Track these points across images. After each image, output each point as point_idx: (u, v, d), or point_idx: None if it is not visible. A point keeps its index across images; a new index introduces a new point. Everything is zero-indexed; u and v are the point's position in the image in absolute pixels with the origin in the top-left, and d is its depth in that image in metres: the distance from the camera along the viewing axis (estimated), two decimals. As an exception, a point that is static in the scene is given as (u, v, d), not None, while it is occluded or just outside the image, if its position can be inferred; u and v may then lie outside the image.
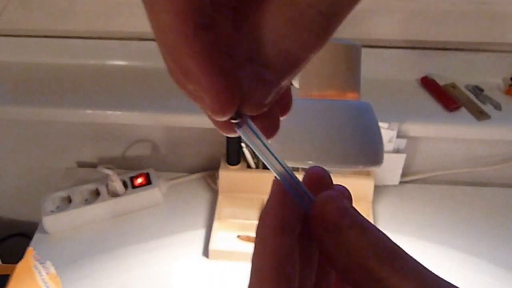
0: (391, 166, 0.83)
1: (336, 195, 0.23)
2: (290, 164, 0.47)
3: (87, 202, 0.83)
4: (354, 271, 0.21)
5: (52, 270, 0.64)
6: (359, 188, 0.81)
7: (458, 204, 0.85)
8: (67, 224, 0.82)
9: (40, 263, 0.62)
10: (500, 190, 0.87)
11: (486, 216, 0.83)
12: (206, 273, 0.76)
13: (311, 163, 0.45)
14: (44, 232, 0.82)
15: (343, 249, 0.22)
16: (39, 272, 0.61)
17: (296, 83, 0.51)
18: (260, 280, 0.21)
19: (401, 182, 0.87)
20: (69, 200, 0.83)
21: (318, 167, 0.24)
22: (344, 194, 0.23)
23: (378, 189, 0.87)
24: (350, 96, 0.46)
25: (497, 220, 0.82)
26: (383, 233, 0.22)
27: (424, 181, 0.89)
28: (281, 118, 0.25)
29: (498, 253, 0.77)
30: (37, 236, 0.82)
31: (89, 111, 0.84)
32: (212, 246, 0.76)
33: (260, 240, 0.22)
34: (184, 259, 0.78)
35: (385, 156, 0.81)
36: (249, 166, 0.82)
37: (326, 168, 0.37)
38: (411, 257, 0.22)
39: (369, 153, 0.46)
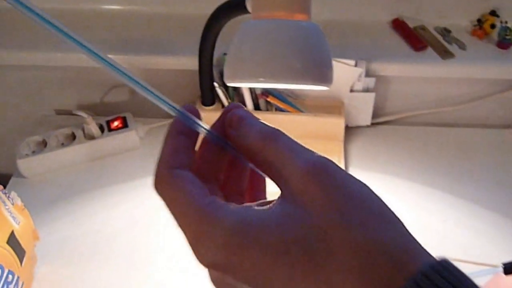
0: (362, 106, 0.85)
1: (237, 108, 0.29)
2: (244, 82, 0.50)
3: (63, 145, 0.84)
4: (250, 152, 0.27)
5: (19, 202, 0.64)
6: (330, 127, 0.83)
7: (428, 144, 0.88)
8: (43, 168, 0.83)
9: (4, 193, 0.63)
10: (467, 130, 0.91)
11: (454, 155, 0.86)
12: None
13: (262, 79, 0.48)
14: (20, 176, 0.83)
15: (242, 139, 0.27)
16: (3, 202, 0.61)
17: (249, 6, 0.53)
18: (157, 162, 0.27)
19: (373, 124, 0.90)
20: (44, 144, 0.84)
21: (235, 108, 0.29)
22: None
23: (351, 130, 0.90)
24: (300, 17, 0.49)
25: (463, 159, 0.86)
26: (263, 123, 0.28)
27: (395, 122, 0.92)
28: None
29: (462, 188, 0.80)
30: (13, 180, 0.83)
31: (63, 54, 0.84)
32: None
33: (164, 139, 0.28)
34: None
35: (355, 95, 0.85)
36: (223, 107, 0.83)
37: (278, 85, 0.50)
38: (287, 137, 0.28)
39: (316, 71, 0.49)
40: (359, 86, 0.83)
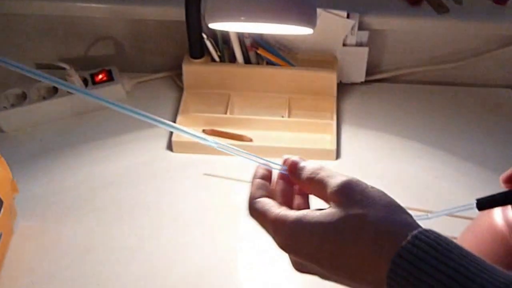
0: (355, 61, 0.83)
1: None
2: (225, 22, 0.52)
3: (44, 99, 0.80)
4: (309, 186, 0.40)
5: None
6: (322, 82, 0.80)
7: (423, 103, 0.86)
8: (23, 122, 0.80)
9: None
10: (463, 89, 0.89)
11: (449, 114, 0.84)
12: (171, 165, 0.76)
13: (243, 18, 0.49)
14: (1, 131, 0.80)
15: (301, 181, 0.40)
16: None
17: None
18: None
19: (367, 81, 0.88)
20: (24, 97, 0.80)
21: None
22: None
23: (345, 87, 0.87)
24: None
25: (458, 117, 0.84)
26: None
27: (390, 80, 0.89)
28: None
29: (456, 146, 0.79)
30: (-7, 136, 0.80)
31: (42, 2, 0.80)
32: (176, 138, 0.76)
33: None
34: (148, 153, 0.77)
35: (348, 49, 0.82)
36: (213, 60, 0.80)
37: (260, 27, 0.55)
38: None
39: (298, 10, 0.49)
40: (352, 39, 0.80)
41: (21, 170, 0.73)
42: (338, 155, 0.78)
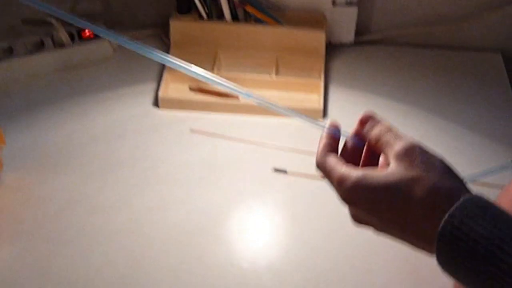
0: (344, 20, 0.82)
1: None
2: None
3: (31, 53, 0.80)
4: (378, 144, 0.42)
5: None
6: (311, 41, 0.80)
7: (413, 65, 0.86)
8: (9, 76, 0.79)
9: None
10: (455, 52, 0.88)
11: (439, 77, 0.84)
12: (157, 122, 0.76)
13: None
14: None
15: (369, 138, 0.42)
16: None
17: None
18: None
19: (356, 43, 0.87)
20: (10, 51, 0.80)
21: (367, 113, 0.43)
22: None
23: (333, 48, 0.87)
24: None
25: (449, 81, 0.84)
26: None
27: (380, 42, 0.89)
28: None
29: (446, 109, 0.79)
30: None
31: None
32: (162, 94, 0.76)
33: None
34: (134, 109, 0.77)
35: (338, 9, 0.81)
36: (200, 17, 0.80)
37: None
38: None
39: None
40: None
41: (7, 123, 0.73)
42: (325, 115, 0.78)
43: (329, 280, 0.59)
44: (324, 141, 0.43)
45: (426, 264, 0.62)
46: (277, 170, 0.71)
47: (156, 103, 0.78)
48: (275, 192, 0.68)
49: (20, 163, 0.70)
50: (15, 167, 0.70)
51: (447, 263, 0.36)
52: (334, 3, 0.80)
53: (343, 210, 0.66)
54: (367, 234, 0.62)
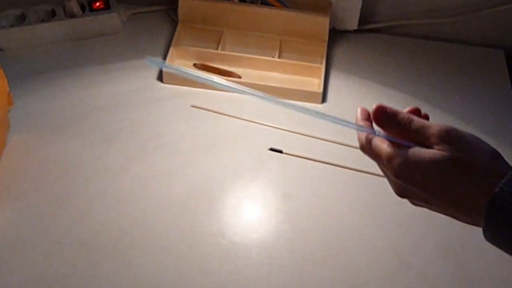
0: (349, 6, 0.83)
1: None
2: None
3: (43, 21, 0.82)
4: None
5: None
6: (315, 26, 0.81)
7: (416, 57, 0.87)
8: (21, 42, 0.82)
9: None
10: (458, 46, 0.89)
11: (441, 70, 0.86)
12: (160, 95, 0.78)
13: None
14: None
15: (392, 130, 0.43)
16: None
17: None
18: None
19: (360, 30, 0.89)
20: (23, 18, 0.82)
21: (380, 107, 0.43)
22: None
23: (337, 34, 0.88)
24: None
25: (450, 74, 0.85)
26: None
27: (383, 31, 0.90)
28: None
29: (446, 102, 0.81)
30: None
31: None
32: (166, 69, 0.78)
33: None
34: (139, 81, 0.79)
35: None
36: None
37: None
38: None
39: None
40: (346, -15, 0.80)
41: (17, 87, 0.75)
42: (324, 99, 0.80)
43: (315, 258, 0.62)
44: (363, 123, 0.45)
45: (411, 242, 0.65)
46: (273, 149, 0.73)
47: (160, 77, 0.80)
48: (269, 170, 0.71)
49: (27, 126, 0.73)
50: (22, 129, 0.73)
51: (495, 233, 0.37)
52: (338, -11, 0.81)
53: (334, 192, 0.69)
54: (356, 215, 0.65)
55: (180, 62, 0.81)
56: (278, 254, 0.62)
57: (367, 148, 0.44)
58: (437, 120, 0.80)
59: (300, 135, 0.75)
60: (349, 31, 0.88)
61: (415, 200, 0.43)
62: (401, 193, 0.43)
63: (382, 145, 0.42)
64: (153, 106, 0.77)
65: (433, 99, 0.81)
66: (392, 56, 0.87)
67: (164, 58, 0.80)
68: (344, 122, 0.44)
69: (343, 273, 0.61)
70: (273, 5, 0.81)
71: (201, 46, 0.83)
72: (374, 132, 0.44)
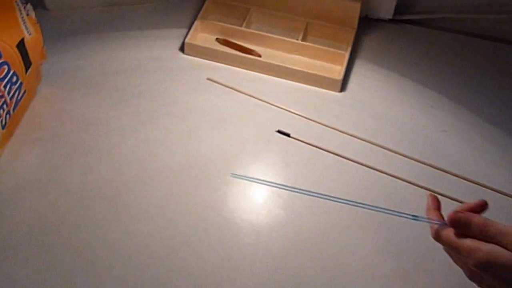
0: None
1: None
2: None
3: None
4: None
5: (33, 15, 0.67)
6: (345, 11, 0.79)
7: (452, 53, 0.83)
8: (64, 3, 0.85)
9: (22, 2, 0.66)
10: (498, 45, 0.83)
11: (476, 69, 0.80)
12: (178, 65, 0.79)
13: None
14: (42, 7, 0.86)
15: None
16: (19, 10, 0.64)
17: None
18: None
19: (396, 20, 0.84)
20: (65, -20, 0.86)
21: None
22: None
23: (370, 23, 0.85)
24: None
25: (483, 73, 0.80)
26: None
27: (421, 23, 0.85)
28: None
29: (473, 100, 0.76)
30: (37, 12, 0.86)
31: None
32: (188, 40, 0.78)
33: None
34: (162, 50, 0.81)
35: None
36: None
37: None
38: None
39: None
40: (385, -30, 0.76)
41: (53, 44, 0.79)
42: (344, 88, 0.77)
43: (307, 246, 0.60)
44: (435, 213, 0.49)
45: (404, 230, 0.62)
46: (280, 131, 0.72)
47: (182, 48, 0.80)
48: (273, 152, 0.70)
49: (56, 80, 0.76)
50: (51, 83, 0.76)
51: None
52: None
53: (335, 182, 0.67)
54: (355, 210, 0.63)
55: (203, 36, 0.81)
56: (267, 237, 0.61)
57: (442, 236, 0.47)
58: (465, 121, 0.77)
59: (311, 122, 0.73)
60: (384, 20, 0.84)
61: (485, 285, 0.47)
62: (474, 279, 0.47)
63: (459, 237, 0.45)
64: (171, 75, 0.78)
65: (463, 99, 0.76)
66: (426, 50, 0.83)
67: (189, 30, 0.81)
68: (416, 217, 0.48)
69: (335, 261, 0.59)
70: (304, -14, 0.79)
71: (227, 21, 0.82)
72: (445, 224, 0.47)
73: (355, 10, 0.78)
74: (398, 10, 0.83)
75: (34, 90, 0.73)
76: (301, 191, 0.50)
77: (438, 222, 0.47)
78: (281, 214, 0.63)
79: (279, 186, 0.54)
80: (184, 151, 0.69)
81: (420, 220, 0.47)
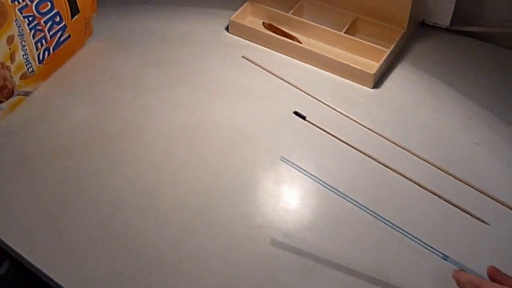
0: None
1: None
2: None
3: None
4: None
5: None
6: (396, 10, 0.75)
7: (503, 68, 0.75)
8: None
9: None
10: None
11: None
12: (219, 41, 0.80)
13: None
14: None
15: None
16: None
17: None
18: None
19: (454, 30, 0.79)
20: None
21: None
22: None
23: (425, 28, 0.80)
24: None
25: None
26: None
27: (484, 37, 0.78)
28: None
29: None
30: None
31: None
32: (233, 19, 0.80)
33: None
34: (207, 27, 0.83)
35: None
36: None
37: None
38: None
39: None
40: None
41: (112, 6, 0.86)
42: (378, 85, 0.73)
43: (301, 232, 0.58)
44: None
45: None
46: (297, 113, 0.69)
47: (228, 27, 0.82)
48: (287, 132, 0.68)
49: (105, 37, 0.82)
50: (100, 38, 0.81)
51: None
52: (435, -27, 0.73)
53: (341, 171, 0.63)
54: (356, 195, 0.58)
55: (250, 19, 0.83)
56: (262, 217, 0.59)
57: (468, 279, 0.47)
58: (499, 136, 0.69)
59: (332, 112, 0.70)
60: (441, 28, 0.79)
61: None
62: None
63: (485, 280, 0.47)
64: (208, 49, 0.79)
65: (505, 117, 0.69)
66: (481, 64, 0.76)
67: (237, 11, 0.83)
68: (446, 257, 0.49)
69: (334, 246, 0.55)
70: (358, -20, 0.77)
71: (275, 6, 0.82)
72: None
73: (406, 9, 0.74)
74: (457, 19, 0.77)
75: (82, 41, 0.79)
76: (345, 196, 0.51)
77: (469, 269, 0.48)
78: (282, 192, 0.61)
79: (323, 183, 0.52)
80: (200, 118, 0.70)
81: (451, 262, 0.48)
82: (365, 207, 0.50)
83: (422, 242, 0.48)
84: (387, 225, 0.49)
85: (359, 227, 0.57)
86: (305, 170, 0.54)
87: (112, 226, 0.58)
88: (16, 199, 0.60)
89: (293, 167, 0.56)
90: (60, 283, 0.53)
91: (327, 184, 0.52)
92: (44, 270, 0.54)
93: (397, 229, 0.49)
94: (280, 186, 0.62)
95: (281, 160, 0.56)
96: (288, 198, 0.61)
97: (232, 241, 0.56)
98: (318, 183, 0.53)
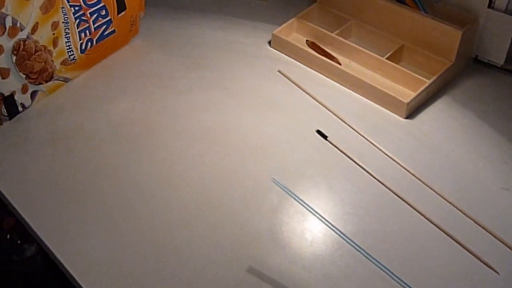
0: (499, 32, 0.69)
1: None
2: None
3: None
4: None
5: None
6: (445, 40, 0.70)
7: None
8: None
9: None
10: None
11: None
12: (259, 54, 0.80)
13: None
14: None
15: None
16: None
17: None
18: None
19: (508, 70, 0.72)
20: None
21: None
22: None
23: (477, 66, 0.75)
24: None
25: None
26: None
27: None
28: None
29: None
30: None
31: None
32: (276, 33, 0.79)
33: None
34: (251, 39, 0.84)
35: (494, 15, 0.71)
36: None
37: None
38: None
39: None
40: (502, 2, 0.66)
41: (161, 12, 0.89)
42: (412, 116, 0.69)
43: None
44: None
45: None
46: (319, 132, 0.66)
47: (271, 42, 0.82)
48: (306, 148, 0.66)
49: (150, 36, 0.85)
50: (145, 37, 0.84)
51: None
52: (492, 5, 0.67)
53: (352, 196, 0.59)
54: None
55: (294, 36, 0.82)
56: (269, 221, 0.58)
57: None
58: None
59: (357, 135, 0.66)
60: (495, 66, 0.73)
61: None
62: None
63: None
64: (246, 59, 0.80)
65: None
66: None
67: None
68: None
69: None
70: (410, 7, 0.73)
71: (322, 26, 0.81)
72: None
73: (455, 39, 0.69)
74: (514, 58, 0.70)
75: (127, 38, 0.82)
76: (344, 237, 0.51)
77: None
78: (293, 210, 0.59)
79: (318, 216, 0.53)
80: (221, 122, 0.70)
81: None
82: (365, 251, 0.48)
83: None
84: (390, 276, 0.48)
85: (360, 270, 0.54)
86: (296, 195, 0.54)
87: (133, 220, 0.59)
88: (39, 177, 0.64)
89: (284, 191, 0.56)
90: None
91: (325, 219, 0.52)
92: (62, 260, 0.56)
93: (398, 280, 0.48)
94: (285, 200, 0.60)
95: (272, 181, 0.56)
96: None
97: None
98: (307, 209, 0.52)
